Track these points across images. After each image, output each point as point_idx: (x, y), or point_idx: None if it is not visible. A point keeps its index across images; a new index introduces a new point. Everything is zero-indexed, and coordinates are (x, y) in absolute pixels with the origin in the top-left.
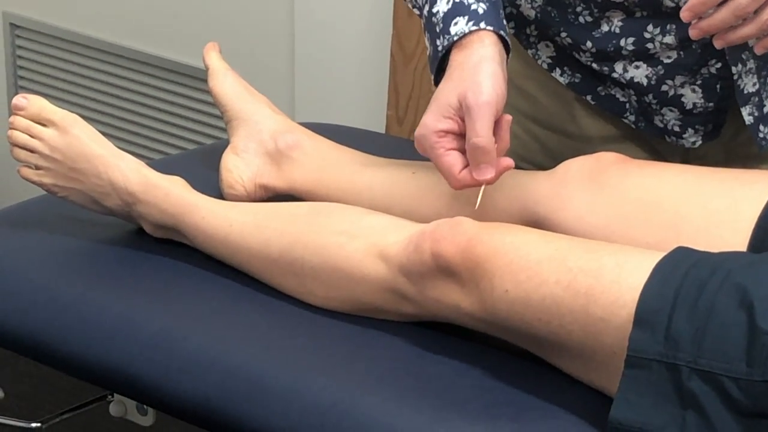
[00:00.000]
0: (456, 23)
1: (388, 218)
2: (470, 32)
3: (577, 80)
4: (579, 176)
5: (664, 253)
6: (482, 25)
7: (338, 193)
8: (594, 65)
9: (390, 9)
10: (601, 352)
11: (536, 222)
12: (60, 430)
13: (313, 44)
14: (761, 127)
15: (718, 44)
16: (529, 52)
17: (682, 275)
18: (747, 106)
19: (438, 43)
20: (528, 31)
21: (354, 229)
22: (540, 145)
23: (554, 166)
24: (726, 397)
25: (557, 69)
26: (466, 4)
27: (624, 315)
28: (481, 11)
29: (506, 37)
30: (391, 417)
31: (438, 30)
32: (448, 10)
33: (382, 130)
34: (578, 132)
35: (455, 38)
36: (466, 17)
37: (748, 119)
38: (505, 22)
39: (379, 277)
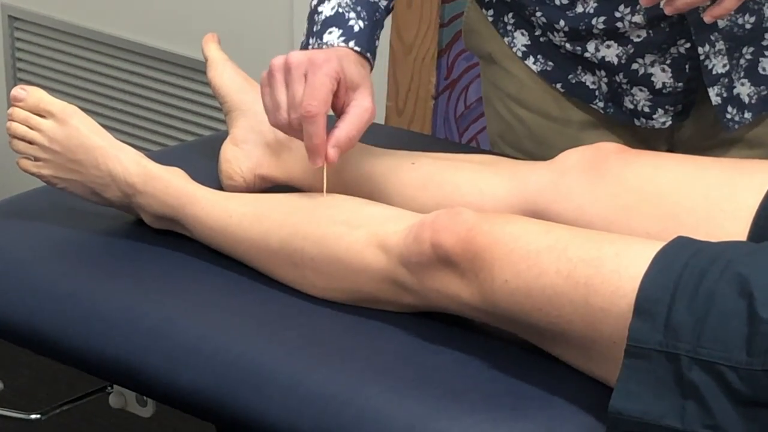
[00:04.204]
0: (330, 32)
1: (388, 208)
2: (338, 46)
3: (549, 68)
4: (579, 166)
5: (664, 243)
6: (351, 44)
7: (337, 184)
8: (567, 45)
9: None
10: (601, 342)
11: (536, 212)
12: (60, 422)
13: None
14: (729, 108)
15: (668, 10)
16: (505, 40)
17: (682, 265)
18: (715, 87)
19: (311, 41)
20: (505, 19)
21: (354, 219)
22: (524, 128)
23: (537, 150)
24: (726, 386)
25: (531, 57)
26: (346, 17)
27: (624, 305)
28: (356, 29)
29: (371, 60)
30: (391, 407)
31: (314, 30)
32: (329, 17)
33: (382, 121)
34: (561, 116)
35: (324, 45)
36: (341, 31)
37: (716, 100)
38: (378, 42)
39: (379, 268)
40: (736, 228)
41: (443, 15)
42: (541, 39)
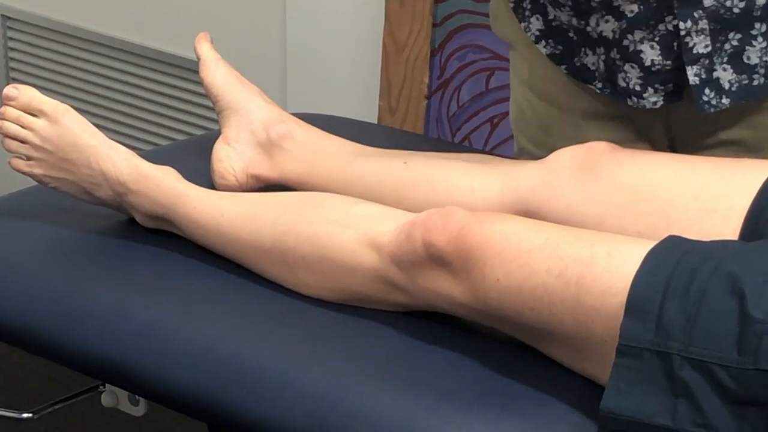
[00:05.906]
0: None
1: (380, 208)
2: None
3: (557, 52)
4: (571, 165)
5: (656, 242)
6: None
7: (330, 183)
8: (574, 21)
9: None
10: (593, 341)
11: (528, 211)
12: (52, 421)
13: (305, 34)
14: (706, 91)
15: None
16: (522, 25)
17: (673, 264)
18: (694, 67)
19: None
20: (524, 4)
21: (346, 218)
22: (533, 114)
23: (543, 138)
24: (717, 385)
25: (543, 41)
26: None
27: (615, 303)
28: None
29: None
30: (383, 406)
31: None
32: None
33: (374, 121)
34: (567, 104)
35: None
36: None
37: (693, 80)
38: None
39: (371, 267)
40: (728, 227)
41: (436, 14)
42: (554, 23)
